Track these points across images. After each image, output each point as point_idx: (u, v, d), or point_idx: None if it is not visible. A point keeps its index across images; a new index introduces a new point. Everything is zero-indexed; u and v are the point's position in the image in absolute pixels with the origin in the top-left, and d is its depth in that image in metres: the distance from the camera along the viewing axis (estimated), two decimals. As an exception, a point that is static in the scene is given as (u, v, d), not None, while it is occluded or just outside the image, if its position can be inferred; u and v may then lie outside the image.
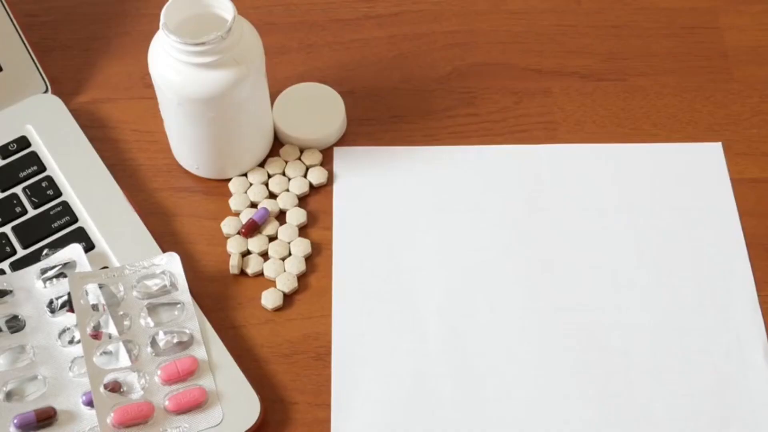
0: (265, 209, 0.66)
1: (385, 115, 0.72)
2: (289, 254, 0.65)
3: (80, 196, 0.66)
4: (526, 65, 0.75)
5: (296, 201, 0.67)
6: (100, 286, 0.60)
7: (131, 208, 0.65)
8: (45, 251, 0.63)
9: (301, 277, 0.65)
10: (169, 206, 0.68)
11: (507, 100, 0.72)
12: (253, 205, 0.67)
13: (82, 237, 0.64)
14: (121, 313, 0.60)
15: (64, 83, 0.72)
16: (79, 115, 0.70)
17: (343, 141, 0.71)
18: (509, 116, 0.72)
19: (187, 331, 0.60)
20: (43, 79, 0.70)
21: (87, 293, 0.60)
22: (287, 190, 0.68)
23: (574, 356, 0.61)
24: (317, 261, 0.66)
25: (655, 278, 0.64)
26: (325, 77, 0.73)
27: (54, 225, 0.65)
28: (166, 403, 0.57)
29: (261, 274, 0.65)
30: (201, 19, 0.61)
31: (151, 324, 0.60)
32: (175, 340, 0.59)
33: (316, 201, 0.68)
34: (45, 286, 0.61)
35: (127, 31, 0.76)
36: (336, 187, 0.68)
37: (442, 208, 0.67)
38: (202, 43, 0.59)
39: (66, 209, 0.65)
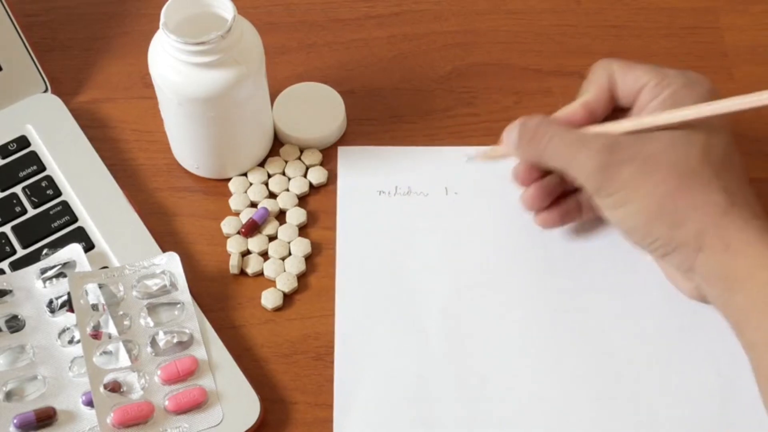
0: (265, 209, 0.66)
1: (385, 115, 0.72)
2: (289, 254, 0.65)
3: (80, 196, 0.66)
4: (526, 65, 0.75)
5: (296, 201, 0.67)
6: (100, 286, 0.60)
7: (131, 208, 0.65)
8: (45, 251, 0.63)
9: (301, 277, 0.65)
10: (169, 206, 0.68)
11: (507, 100, 0.72)
12: (253, 204, 0.67)
13: (81, 237, 0.64)
14: (121, 313, 0.60)
15: (64, 83, 0.72)
16: (79, 115, 0.70)
17: (343, 141, 0.70)
18: (509, 116, 0.71)
19: (187, 331, 0.60)
20: (43, 79, 0.70)
21: (87, 293, 0.60)
22: (287, 190, 0.68)
23: (576, 357, 0.61)
24: (317, 261, 0.65)
25: (656, 280, 0.64)
26: (325, 77, 0.73)
27: (54, 225, 0.65)
28: (166, 403, 0.57)
29: (261, 273, 0.65)
30: (201, 19, 0.61)
31: (151, 324, 0.60)
32: (175, 340, 0.59)
33: (316, 201, 0.68)
34: (45, 286, 0.61)
35: (127, 31, 0.76)
36: (337, 187, 0.68)
37: (443, 208, 0.67)
38: (202, 43, 0.59)
39: (66, 209, 0.65)
